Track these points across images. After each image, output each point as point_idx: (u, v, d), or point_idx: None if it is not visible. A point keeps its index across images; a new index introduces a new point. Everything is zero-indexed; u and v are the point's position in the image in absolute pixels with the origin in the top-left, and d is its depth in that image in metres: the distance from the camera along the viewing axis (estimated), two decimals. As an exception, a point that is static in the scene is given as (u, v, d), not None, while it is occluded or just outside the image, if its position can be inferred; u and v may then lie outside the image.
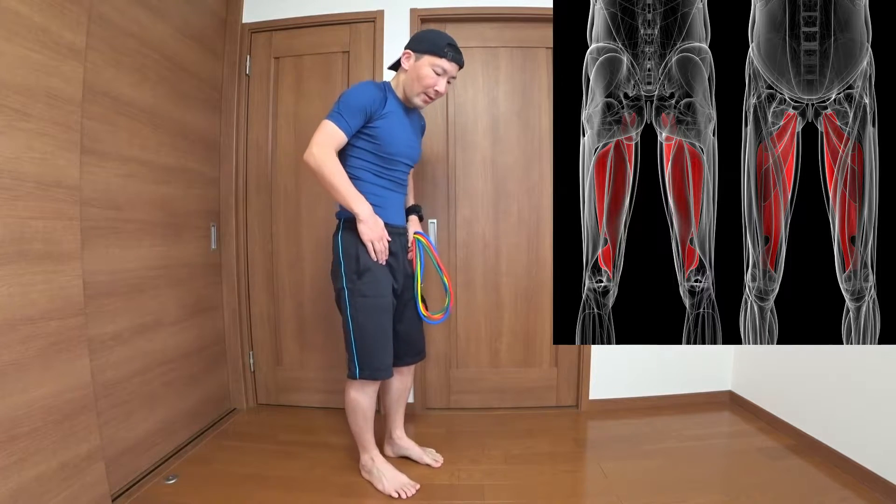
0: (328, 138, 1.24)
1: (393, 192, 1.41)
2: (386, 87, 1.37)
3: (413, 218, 1.53)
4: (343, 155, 1.31)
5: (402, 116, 1.39)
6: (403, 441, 1.62)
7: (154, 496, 1.39)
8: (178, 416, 1.69)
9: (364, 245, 1.30)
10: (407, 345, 1.51)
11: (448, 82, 1.35)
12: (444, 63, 1.30)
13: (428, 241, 1.48)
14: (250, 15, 2.03)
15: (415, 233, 1.49)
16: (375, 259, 1.31)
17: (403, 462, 1.60)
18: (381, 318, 1.34)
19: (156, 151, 1.57)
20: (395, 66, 1.40)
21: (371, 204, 1.29)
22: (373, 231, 1.28)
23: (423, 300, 1.50)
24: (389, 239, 1.33)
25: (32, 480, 1.06)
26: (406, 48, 1.35)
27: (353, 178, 1.30)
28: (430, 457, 1.60)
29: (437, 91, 1.33)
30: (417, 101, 1.35)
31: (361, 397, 1.37)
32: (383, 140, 1.32)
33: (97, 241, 1.32)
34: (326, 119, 1.25)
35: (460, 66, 1.35)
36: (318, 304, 2.06)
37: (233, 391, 2.09)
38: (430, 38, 1.33)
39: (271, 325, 2.10)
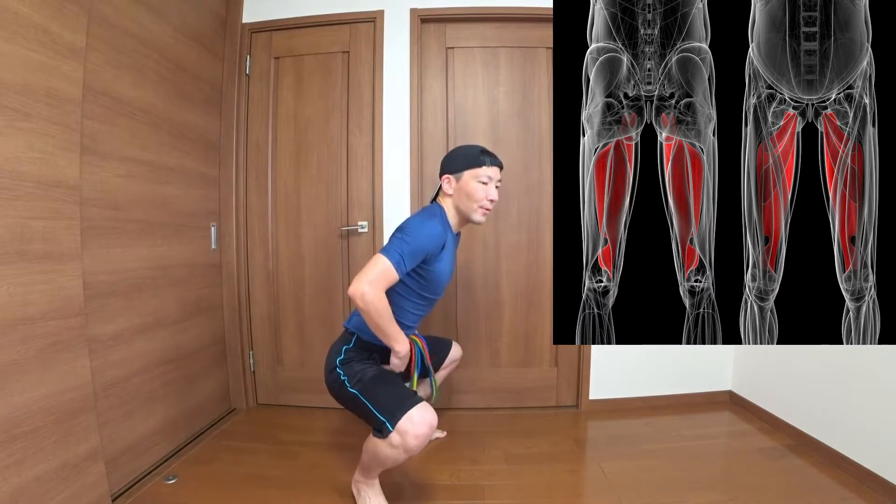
0: (382, 278, 1.14)
1: (416, 328, 1.42)
2: (444, 221, 1.31)
3: None
4: (388, 290, 1.20)
5: (452, 250, 1.36)
6: None
7: (154, 496, 1.39)
8: (178, 416, 1.69)
9: (379, 358, 1.31)
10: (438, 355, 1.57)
11: (496, 187, 1.32)
12: (485, 171, 1.28)
13: (423, 343, 1.43)
14: (250, 15, 2.03)
15: (411, 334, 1.44)
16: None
17: None
18: (390, 379, 1.27)
19: (156, 151, 1.57)
20: (436, 196, 1.39)
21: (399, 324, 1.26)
22: (404, 365, 1.27)
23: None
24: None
25: (32, 480, 1.06)
26: (443, 174, 1.33)
27: (394, 307, 1.24)
28: (436, 433, 1.75)
29: (491, 200, 1.30)
30: (477, 217, 1.31)
31: (399, 455, 1.15)
32: (433, 282, 1.30)
33: (97, 241, 1.32)
34: (383, 255, 1.16)
35: (500, 167, 1.33)
36: (318, 304, 2.06)
37: (233, 391, 2.09)
38: (462, 154, 1.32)
39: (271, 325, 2.10)
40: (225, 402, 2.05)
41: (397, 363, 1.25)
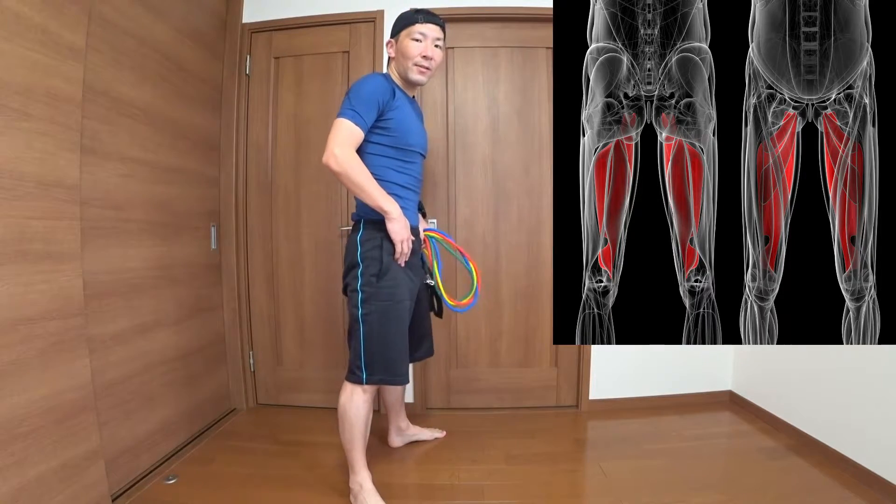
0: (347, 137, 1.18)
1: (412, 190, 1.38)
2: (389, 78, 1.34)
3: (419, 216, 1.53)
4: (361, 153, 1.25)
5: (409, 105, 1.37)
6: (411, 430, 1.74)
7: (154, 496, 1.39)
8: (178, 416, 1.69)
9: (390, 245, 1.26)
10: (420, 339, 1.53)
11: (437, 47, 1.32)
12: (418, 27, 1.29)
13: (442, 235, 1.49)
14: (250, 15, 2.03)
15: (425, 230, 1.49)
16: (397, 260, 1.27)
17: (411, 446, 1.74)
18: (397, 325, 1.28)
19: (156, 151, 1.57)
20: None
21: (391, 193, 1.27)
22: (404, 230, 1.24)
23: (445, 293, 1.49)
24: (414, 238, 1.31)
25: (32, 480, 1.06)
26: (388, 41, 1.37)
27: (375, 177, 1.24)
28: (435, 433, 1.79)
29: (426, 56, 1.29)
30: (414, 75, 1.32)
31: (362, 405, 1.29)
32: (399, 131, 1.28)
33: (97, 241, 1.32)
34: (340, 117, 1.20)
35: (438, 24, 1.32)
36: (318, 304, 2.06)
37: (233, 391, 2.09)
38: (400, 15, 1.34)
39: (271, 325, 2.10)
40: (225, 402, 2.05)
41: (395, 228, 1.23)
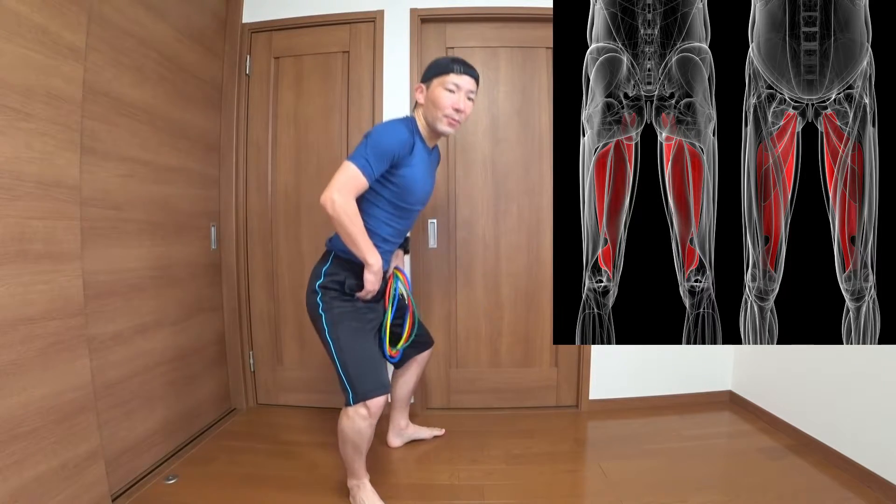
0: (351, 184, 1.16)
1: (397, 242, 1.39)
2: (413, 128, 1.29)
3: (399, 252, 1.53)
4: (359, 200, 1.22)
5: (426, 160, 1.34)
6: (410, 429, 1.75)
7: (154, 496, 1.39)
8: (178, 416, 1.69)
9: (354, 283, 1.28)
10: (418, 335, 1.55)
11: (470, 99, 1.29)
12: (452, 78, 1.24)
13: (405, 278, 1.47)
14: (250, 15, 2.03)
15: (395, 267, 1.47)
16: (358, 297, 1.29)
17: (411, 445, 1.74)
18: (364, 339, 1.28)
19: (156, 151, 1.57)
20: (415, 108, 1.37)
21: (376, 237, 1.27)
22: (378, 282, 1.25)
23: (389, 336, 1.42)
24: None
25: (32, 480, 1.06)
26: (418, 85, 1.33)
27: (366, 224, 1.24)
28: (434, 432, 1.79)
29: (457, 109, 1.26)
30: (443, 126, 1.28)
31: (363, 427, 1.23)
32: (403, 188, 1.27)
33: (97, 241, 1.32)
34: (350, 161, 1.16)
35: (473, 77, 1.28)
36: (318, 304, 2.06)
37: (233, 391, 2.09)
38: (435, 62, 1.30)
39: (271, 325, 2.10)
40: (225, 402, 2.05)
41: (371, 279, 1.23)
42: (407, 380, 1.65)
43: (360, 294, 1.28)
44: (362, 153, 1.17)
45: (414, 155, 1.26)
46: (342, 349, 1.24)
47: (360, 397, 1.21)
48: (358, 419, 1.22)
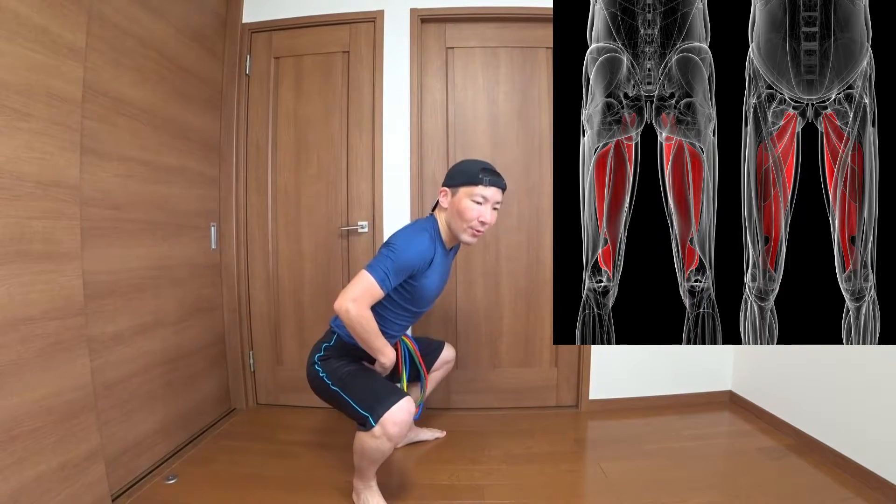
0: (367, 294, 1.16)
1: (403, 332, 1.42)
2: (434, 233, 1.28)
3: None
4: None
5: (443, 263, 1.33)
6: (412, 431, 1.74)
7: (154, 496, 1.39)
8: (178, 416, 1.69)
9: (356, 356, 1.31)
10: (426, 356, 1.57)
11: (494, 209, 1.26)
12: (481, 190, 1.22)
13: (411, 342, 1.49)
14: (250, 15, 2.03)
15: (402, 335, 1.48)
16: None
17: (411, 446, 1.74)
18: (371, 374, 1.29)
19: (156, 151, 1.57)
20: (435, 207, 1.36)
21: (384, 333, 1.27)
22: (390, 369, 1.28)
23: None
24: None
25: (32, 480, 1.06)
26: (442, 186, 1.30)
27: (377, 314, 1.23)
28: (436, 434, 1.79)
29: (482, 222, 1.24)
30: (466, 238, 1.26)
31: (384, 445, 1.17)
32: (417, 295, 1.28)
33: (97, 241, 1.32)
34: (368, 272, 1.16)
35: (501, 188, 1.26)
36: (317, 305, 2.06)
37: (233, 391, 2.09)
38: (463, 168, 1.27)
39: (271, 325, 2.10)
40: (225, 402, 2.05)
41: (382, 370, 1.28)
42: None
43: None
44: (382, 266, 1.17)
45: (433, 266, 1.26)
46: (350, 388, 1.23)
47: (382, 412, 1.15)
48: (384, 440, 1.16)
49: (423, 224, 1.31)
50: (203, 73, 1.86)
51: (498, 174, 1.26)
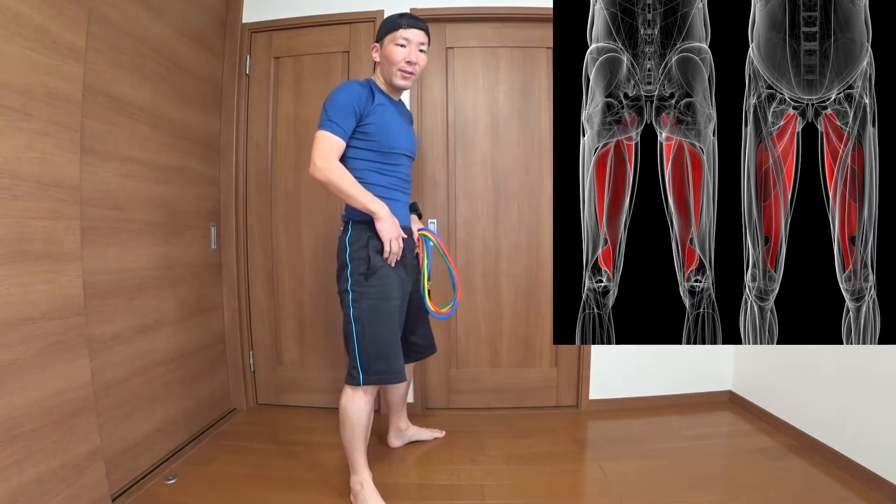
0: (327, 148, 1.22)
1: (398, 190, 1.38)
2: (370, 83, 1.35)
3: (413, 216, 1.54)
4: (343, 160, 1.27)
5: (393, 109, 1.37)
6: (410, 430, 1.75)
7: (154, 496, 1.39)
8: (178, 416, 1.69)
9: (378, 244, 1.27)
10: (422, 338, 1.56)
11: (422, 52, 1.33)
12: (402, 33, 1.29)
13: (435, 237, 1.49)
14: (250, 15, 2.03)
15: (419, 230, 1.49)
16: (386, 260, 1.28)
17: (411, 446, 1.74)
18: (388, 322, 1.29)
19: (156, 151, 1.57)
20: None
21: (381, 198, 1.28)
22: (393, 229, 1.26)
23: (430, 296, 1.49)
24: (405, 236, 1.32)
25: (32, 480, 1.06)
26: (373, 45, 1.38)
27: (359, 180, 1.26)
28: (435, 433, 1.79)
29: (410, 62, 1.30)
30: (398, 80, 1.33)
31: (363, 406, 1.29)
32: (379, 134, 1.30)
33: (97, 241, 1.32)
34: (320, 130, 1.23)
35: (422, 29, 1.33)
36: (318, 304, 2.06)
37: (233, 391, 2.09)
38: (385, 20, 1.35)
39: (271, 325, 2.10)
40: (225, 402, 2.05)
41: (384, 228, 1.24)
42: (397, 385, 1.64)
43: (385, 255, 1.27)
44: (324, 118, 1.23)
45: (377, 103, 1.30)
46: (363, 325, 1.26)
47: (371, 380, 1.26)
48: (358, 397, 1.27)
49: (352, 80, 1.38)
50: (203, 72, 1.86)
51: (417, 18, 1.33)
